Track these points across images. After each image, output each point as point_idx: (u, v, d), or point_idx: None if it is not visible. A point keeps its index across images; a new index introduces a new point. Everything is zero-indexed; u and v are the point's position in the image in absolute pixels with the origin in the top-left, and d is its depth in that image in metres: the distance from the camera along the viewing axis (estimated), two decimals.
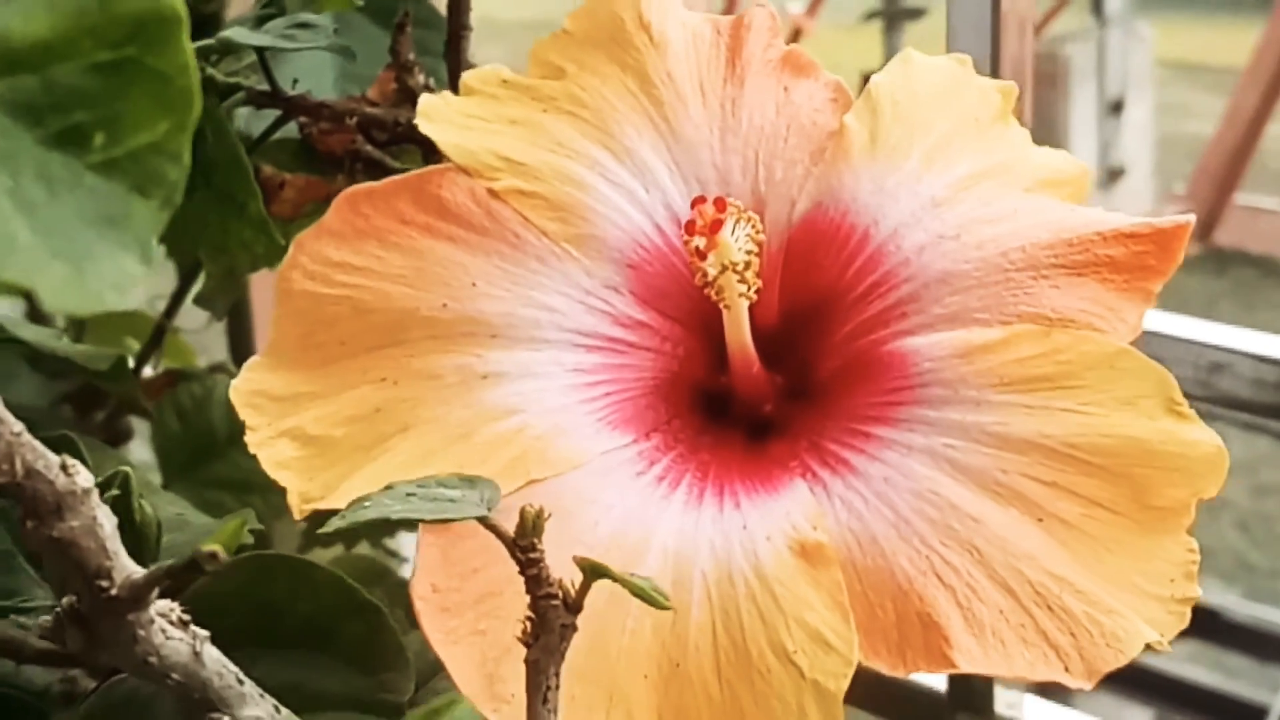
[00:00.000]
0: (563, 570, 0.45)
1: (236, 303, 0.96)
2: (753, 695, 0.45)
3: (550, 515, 0.42)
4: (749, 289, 0.47)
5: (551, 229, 0.51)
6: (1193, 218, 0.49)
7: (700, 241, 0.47)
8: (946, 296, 0.49)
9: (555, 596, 0.41)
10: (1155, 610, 0.45)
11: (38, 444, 0.36)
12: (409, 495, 0.41)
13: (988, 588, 0.45)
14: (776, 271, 0.51)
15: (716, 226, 0.47)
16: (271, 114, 0.64)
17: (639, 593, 0.40)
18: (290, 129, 0.66)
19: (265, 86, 0.62)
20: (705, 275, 0.47)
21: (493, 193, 0.51)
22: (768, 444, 0.49)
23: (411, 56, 0.63)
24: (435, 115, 0.52)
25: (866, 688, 0.96)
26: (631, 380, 0.50)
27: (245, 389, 0.49)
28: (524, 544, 0.41)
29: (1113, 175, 3.00)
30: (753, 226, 0.47)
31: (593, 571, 0.40)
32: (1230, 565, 3.38)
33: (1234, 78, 3.65)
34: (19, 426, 0.35)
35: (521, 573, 0.40)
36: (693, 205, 0.47)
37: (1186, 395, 0.82)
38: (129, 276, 0.33)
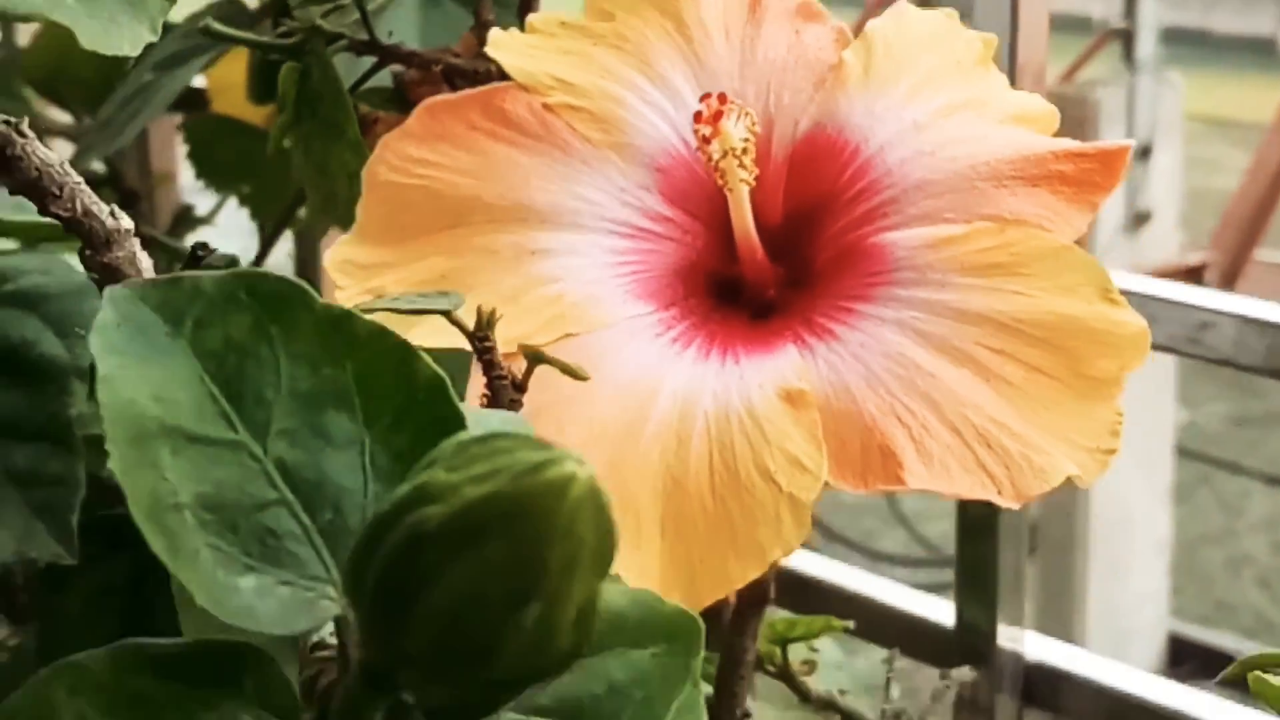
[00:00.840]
0: (587, 411, 0.53)
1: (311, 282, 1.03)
2: (740, 506, 0.52)
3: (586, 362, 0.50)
4: (748, 175, 0.54)
5: (595, 137, 0.58)
6: (1132, 142, 0.56)
7: (706, 129, 0.54)
8: (921, 200, 0.56)
9: (504, 378, 0.48)
10: (1082, 457, 0.52)
11: (92, 193, 0.43)
12: (401, 301, 0.49)
13: (939, 428, 0.52)
14: (781, 180, 0.59)
15: (718, 116, 0.54)
16: (369, 61, 0.71)
17: (564, 369, 0.48)
18: (383, 78, 0.73)
19: (365, 36, 0.70)
20: (710, 158, 0.54)
21: (547, 107, 0.58)
22: (768, 321, 0.56)
23: (491, 17, 0.70)
24: (503, 44, 0.60)
25: (876, 622, 1.01)
26: (656, 263, 0.58)
27: (337, 258, 0.57)
28: (480, 335, 0.48)
29: (1139, 219, 3.04)
30: (750, 120, 0.54)
31: (534, 357, 0.48)
32: (1251, 622, 3.36)
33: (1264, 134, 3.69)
34: (79, 177, 0.43)
35: (478, 359, 0.48)
36: (701, 100, 0.54)
37: (1176, 351, 0.88)
38: (141, 39, 0.42)
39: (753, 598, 0.67)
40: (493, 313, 0.50)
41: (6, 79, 1.06)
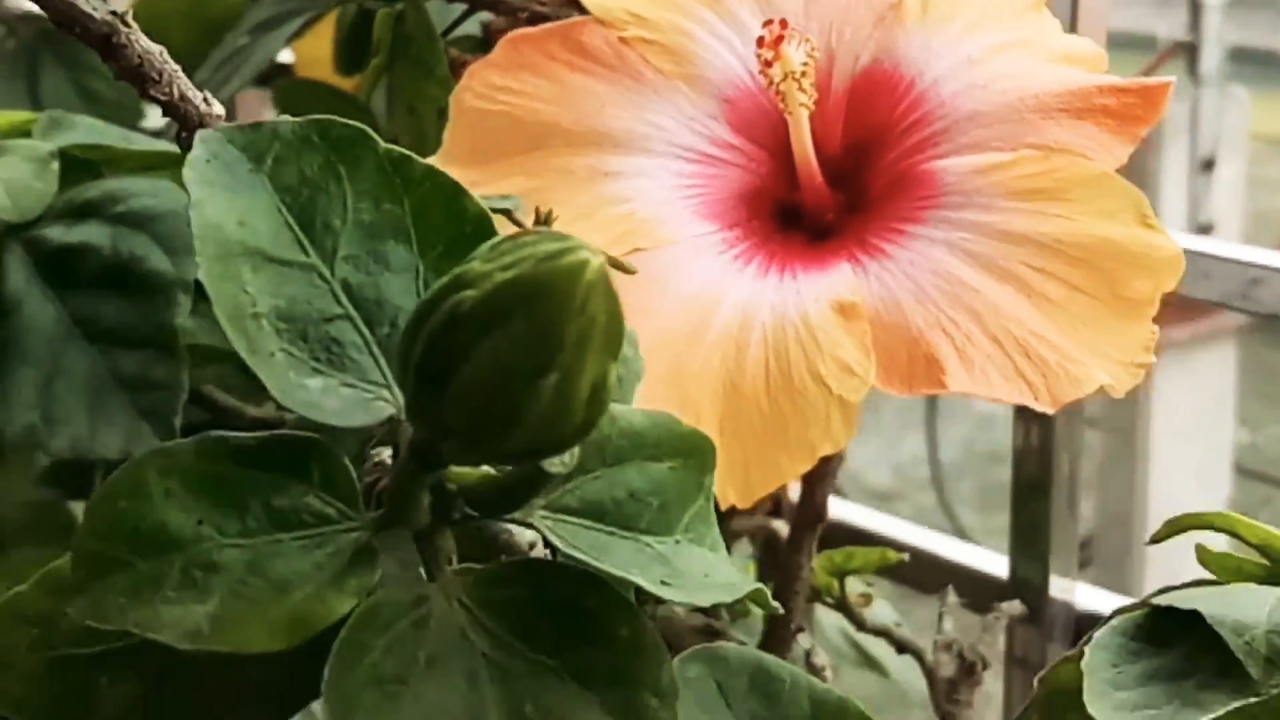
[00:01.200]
0: (652, 321, 0.55)
1: None
2: (793, 407, 0.54)
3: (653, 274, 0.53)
4: (807, 99, 0.57)
5: (666, 68, 0.61)
6: (1174, 80, 0.58)
7: (768, 54, 0.57)
8: (971, 130, 0.58)
9: None
10: (1115, 369, 0.54)
11: (187, 80, 0.46)
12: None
13: (981, 339, 0.54)
14: (841, 112, 0.61)
15: (779, 41, 0.57)
16: (459, 8, 0.74)
17: (615, 264, 0.50)
18: (471, 26, 0.76)
19: None
20: (772, 82, 0.57)
21: (622, 40, 0.61)
22: (825, 242, 0.59)
23: None
24: None
25: (930, 573, 1.02)
26: (721, 187, 0.60)
27: None
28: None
29: (1201, 232, 3.03)
30: (809, 46, 0.57)
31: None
32: None
33: None
34: (175, 65, 0.46)
35: None
36: (764, 26, 0.57)
37: (1228, 306, 0.89)
38: None
39: (808, 517, 0.69)
40: (550, 213, 0.52)
41: None
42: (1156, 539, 0.51)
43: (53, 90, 1.04)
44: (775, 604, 0.44)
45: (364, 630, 0.36)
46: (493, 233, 0.42)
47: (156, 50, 0.47)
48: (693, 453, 0.43)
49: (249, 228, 0.39)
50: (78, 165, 0.70)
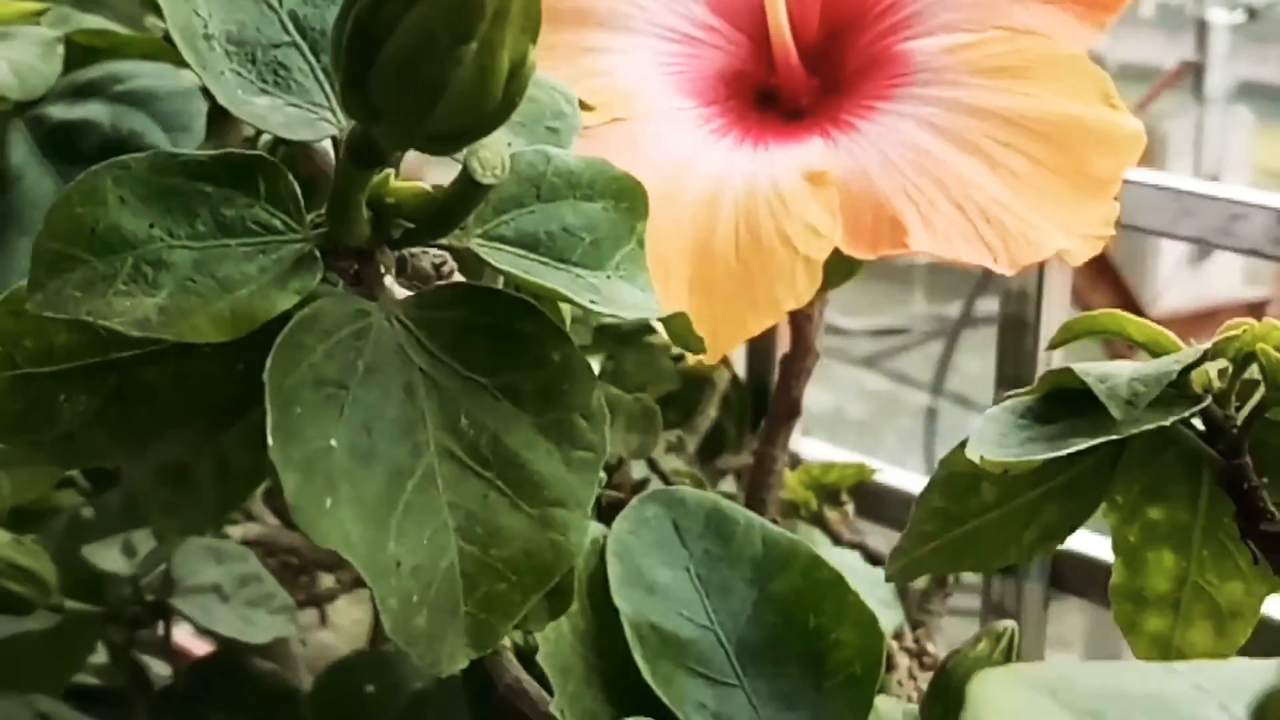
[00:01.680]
0: (634, 172, 0.56)
1: None
2: (760, 266, 0.55)
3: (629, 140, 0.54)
4: None
5: None
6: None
7: None
8: (941, 13, 0.60)
9: None
10: (1074, 239, 0.55)
11: None
12: None
13: (945, 205, 0.55)
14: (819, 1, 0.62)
15: None
16: None
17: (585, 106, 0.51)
18: None
19: None
20: None
21: None
22: (800, 120, 0.60)
23: None
24: None
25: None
26: (701, 67, 0.62)
27: None
28: None
29: (1202, 253, 3.04)
30: None
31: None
32: None
33: None
34: None
35: None
36: None
37: (1209, 242, 0.90)
38: None
39: (782, 411, 0.70)
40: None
41: None
42: (1054, 345, 0.53)
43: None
44: (699, 334, 0.45)
45: (305, 332, 0.38)
46: None
47: None
48: (625, 196, 0.45)
49: None
50: (82, 51, 0.72)
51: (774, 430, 0.71)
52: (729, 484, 0.92)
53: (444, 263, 0.42)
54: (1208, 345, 0.47)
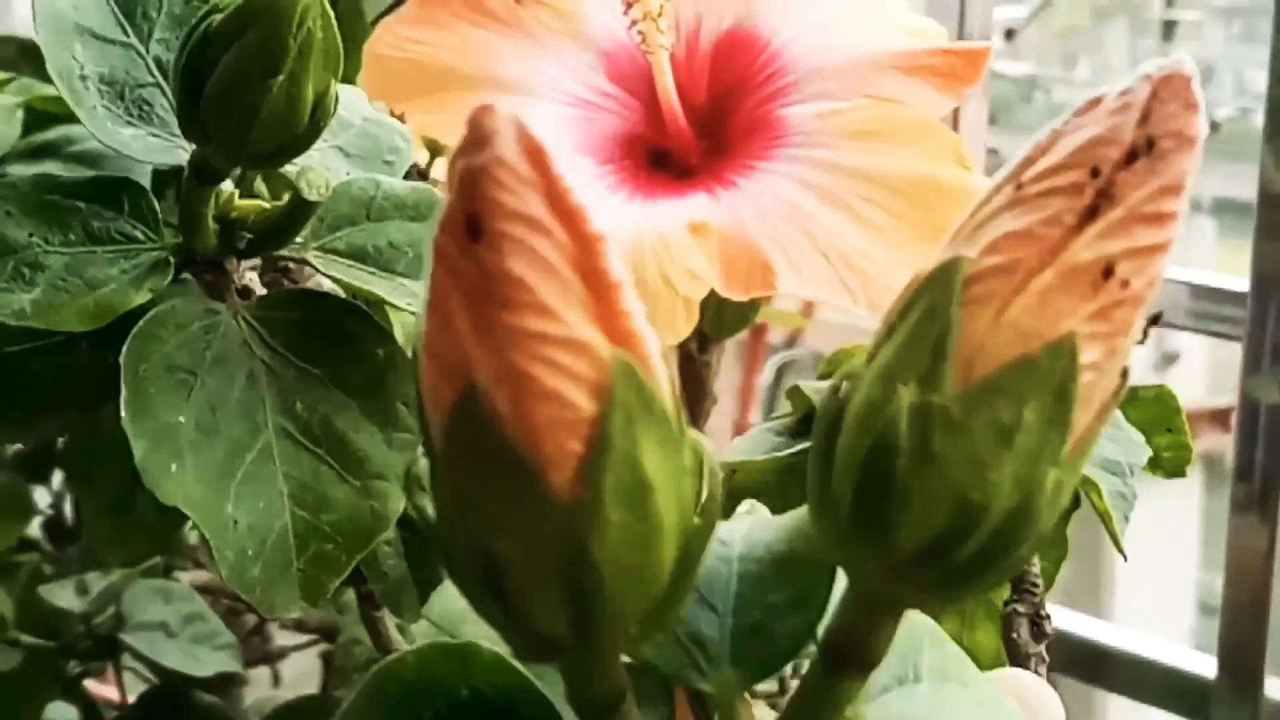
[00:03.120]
0: None
1: None
2: (644, 304, 0.60)
3: None
4: (666, 40, 0.64)
5: (555, 26, 0.68)
6: (993, 43, 0.64)
7: None
8: (817, 82, 0.65)
9: None
10: None
11: None
12: None
13: (810, 252, 0.60)
14: (707, 67, 0.68)
15: None
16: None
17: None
18: None
19: None
20: (634, 22, 0.63)
21: (518, 1, 0.68)
22: (688, 179, 0.65)
23: None
24: None
25: (1134, 677, 1.02)
26: (598, 130, 0.67)
27: None
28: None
29: (1167, 360, 3.09)
30: None
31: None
32: None
33: None
34: None
35: None
36: None
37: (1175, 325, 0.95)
38: None
39: None
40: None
41: None
42: (820, 376, 0.59)
43: None
44: None
45: (160, 326, 0.45)
46: None
47: None
48: None
49: (81, 12, 0.49)
50: (39, 116, 0.77)
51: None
52: None
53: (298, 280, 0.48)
54: None
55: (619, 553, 0.28)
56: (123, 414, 0.42)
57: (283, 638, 1.21)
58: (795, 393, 0.55)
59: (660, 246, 0.62)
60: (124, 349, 0.43)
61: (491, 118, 0.28)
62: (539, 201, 0.28)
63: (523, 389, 0.27)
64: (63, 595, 0.90)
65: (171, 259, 0.46)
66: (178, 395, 0.44)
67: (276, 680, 1.25)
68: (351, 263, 0.48)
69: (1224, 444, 3.52)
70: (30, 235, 0.45)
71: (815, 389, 0.52)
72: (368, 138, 0.50)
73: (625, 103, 0.68)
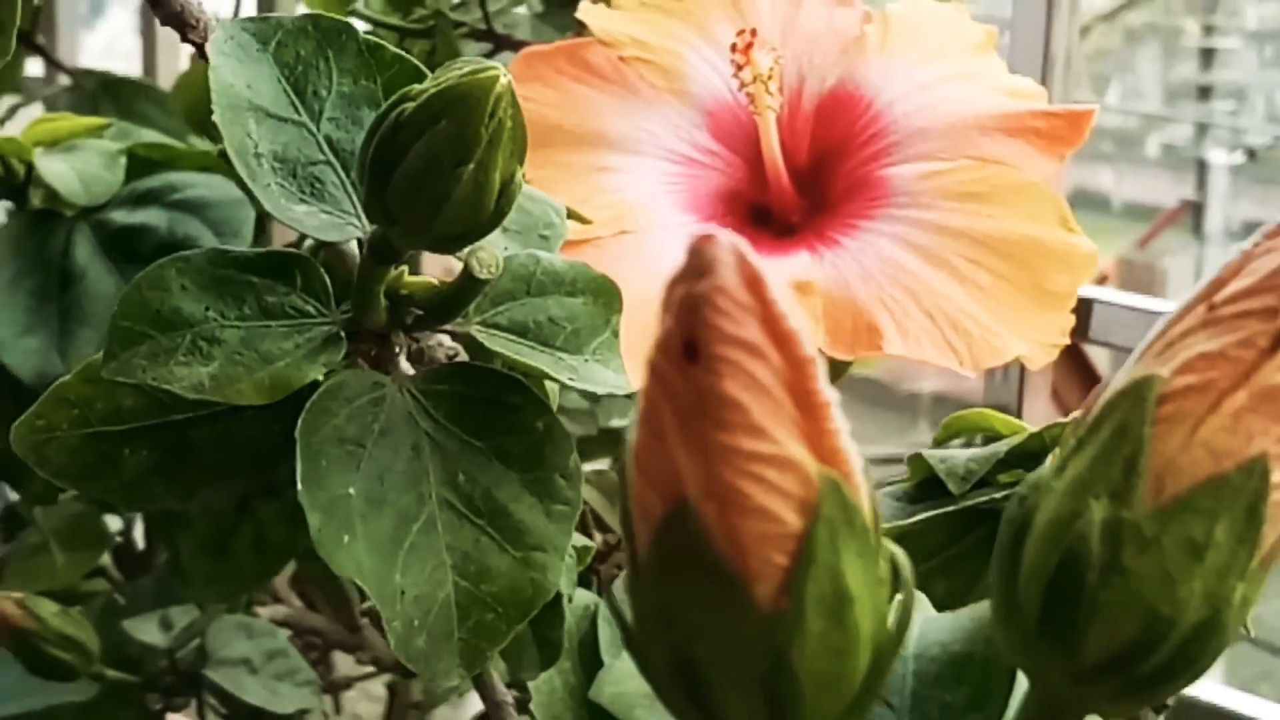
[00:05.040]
0: (632, 288, 0.62)
1: None
2: None
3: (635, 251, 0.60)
4: (774, 101, 0.64)
5: (659, 84, 0.68)
6: (1096, 107, 0.65)
7: (739, 59, 0.64)
8: (919, 143, 0.65)
9: None
10: (1033, 347, 0.60)
11: None
12: None
13: (916, 313, 0.61)
14: (809, 127, 0.68)
15: (749, 48, 0.64)
16: (485, 47, 0.82)
17: (574, 215, 0.58)
18: None
19: (484, 26, 0.80)
20: (742, 84, 0.64)
21: (621, 58, 0.68)
22: (790, 237, 0.66)
23: None
24: (590, 11, 0.70)
25: None
26: (701, 187, 0.67)
27: None
28: None
29: None
30: (775, 54, 0.64)
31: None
32: None
33: None
34: (210, 16, 0.53)
35: None
36: (737, 35, 0.64)
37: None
38: None
39: None
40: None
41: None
42: (938, 440, 0.59)
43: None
44: None
45: (331, 399, 0.45)
46: None
47: (196, 2, 0.54)
48: (602, 293, 0.52)
49: (255, 90, 0.49)
50: (142, 162, 0.78)
51: None
52: None
53: (456, 354, 0.48)
54: (1045, 426, 0.53)
55: (817, 661, 0.28)
56: (299, 487, 0.43)
57: (345, 666, 1.21)
58: (915, 459, 0.55)
59: None
60: (299, 422, 0.44)
61: (713, 247, 0.29)
62: (756, 327, 0.28)
63: (732, 504, 0.28)
64: (146, 630, 0.91)
65: (343, 334, 0.47)
66: (348, 467, 0.44)
67: (338, 709, 1.26)
68: (513, 337, 0.48)
69: None
70: (207, 309, 0.46)
71: (937, 457, 0.52)
72: (524, 213, 0.50)
73: (728, 160, 0.68)
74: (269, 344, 0.46)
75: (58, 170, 0.76)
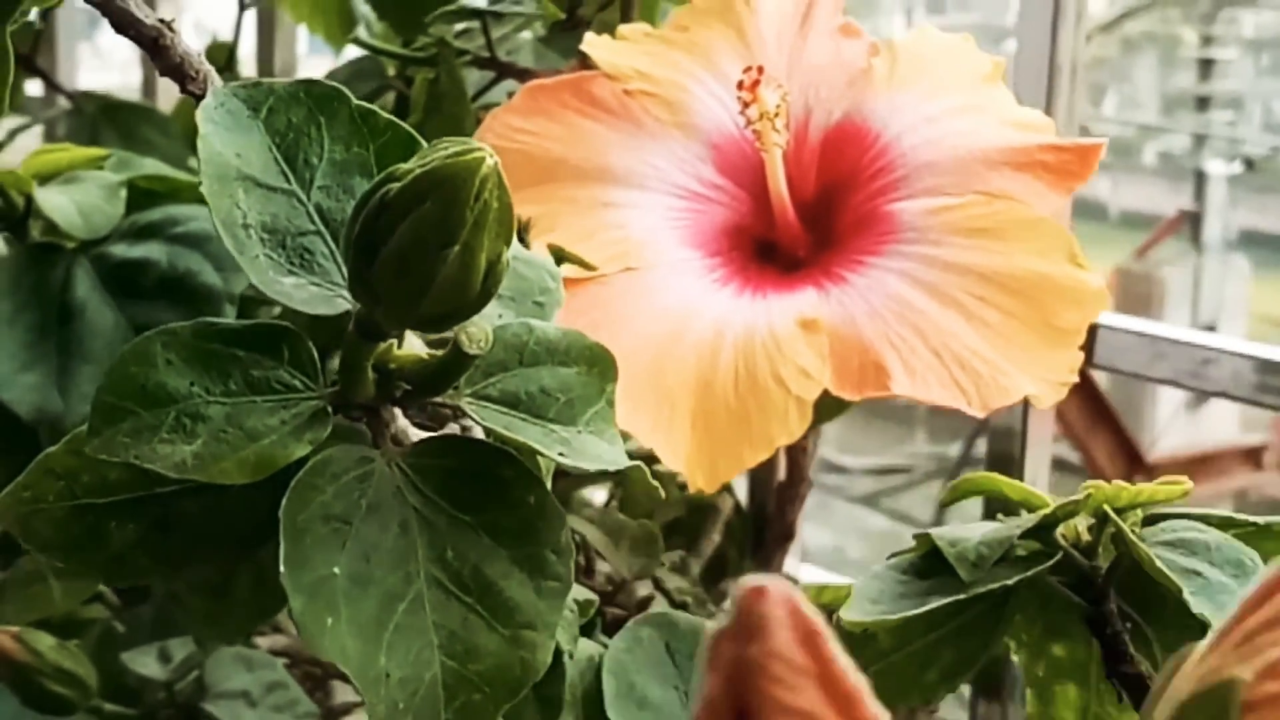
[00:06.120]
0: (638, 325, 0.61)
1: None
2: (757, 404, 0.60)
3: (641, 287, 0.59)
4: (781, 138, 0.63)
5: (664, 117, 0.67)
6: (1105, 140, 0.64)
7: (746, 95, 0.63)
8: (927, 177, 0.65)
9: None
10: (1042, 385, 0.60)
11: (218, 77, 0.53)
12: None
13: (924, 351, 0.60)
14: (815, 160, 0.67)
15: (755, 85, 0.63)
16: (488, 76, 0.81)
17: (576, 260, 0.57)
18: (498, 95, 0.83)
19: (487, 54, 0.79)
20: (749, 121, 0.63)
21: (626, 92, 0.68)
22: (796, 273, 0.65)
23: None
24: (596, 43, 0.69)
25: None
26: (706, 222, 0.67)
27: None
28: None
29: (1200, 399, 3.08)
30: (782, 91, 0.63)
31: (558, 255, 0.57)
32: None
33: None
34: (211, 68, 0.52)
35: None
36: (743, 72, 0.63)
37: (1180, 384, 0.94)
38: None
39: (778, 534, 0.75)
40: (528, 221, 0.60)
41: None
42: (943, 503, 0.58)
43: None
44: (655, 484, 0.50)
45: (317, 476, 0.44)
46: None
47: (195, 53, 0.53)
48: (596, 363, 0.50)
49: (244, 159, 0.47)
50: (142, 194, 0.77)
51: (769, 553, 0.75)
52: None
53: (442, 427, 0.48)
54: (1060, 503, 0.52)
55: None
56: (281, 569, 0.42)
57: (344, 694, 1.20)
58: (922, 538, 0.54)
59: (772, 344, 0.61)
60: (284, 501, 0.43)
61: (764, 603, 0.26)
62: (815, 691, 0.26)
63: None
64: (144, 663, 0.90)
65: (330, 409, 0.46)
66: (333, 545, 0.43)
67: None
68: (505, 409, 0.47)
69: (1257, 482, 3.50)
70: (191, 385, 0.45)
71: (947, 540, 0.51)
72: (519, 278, 0.49)
73: (733, 194, 0.68)
74: (254, 420, 0.45)
75: (57, 203, 0.75)
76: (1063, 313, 0.61)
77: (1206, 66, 4.19)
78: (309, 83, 0.49)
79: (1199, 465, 3.24)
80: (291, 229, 0.47)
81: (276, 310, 0.78)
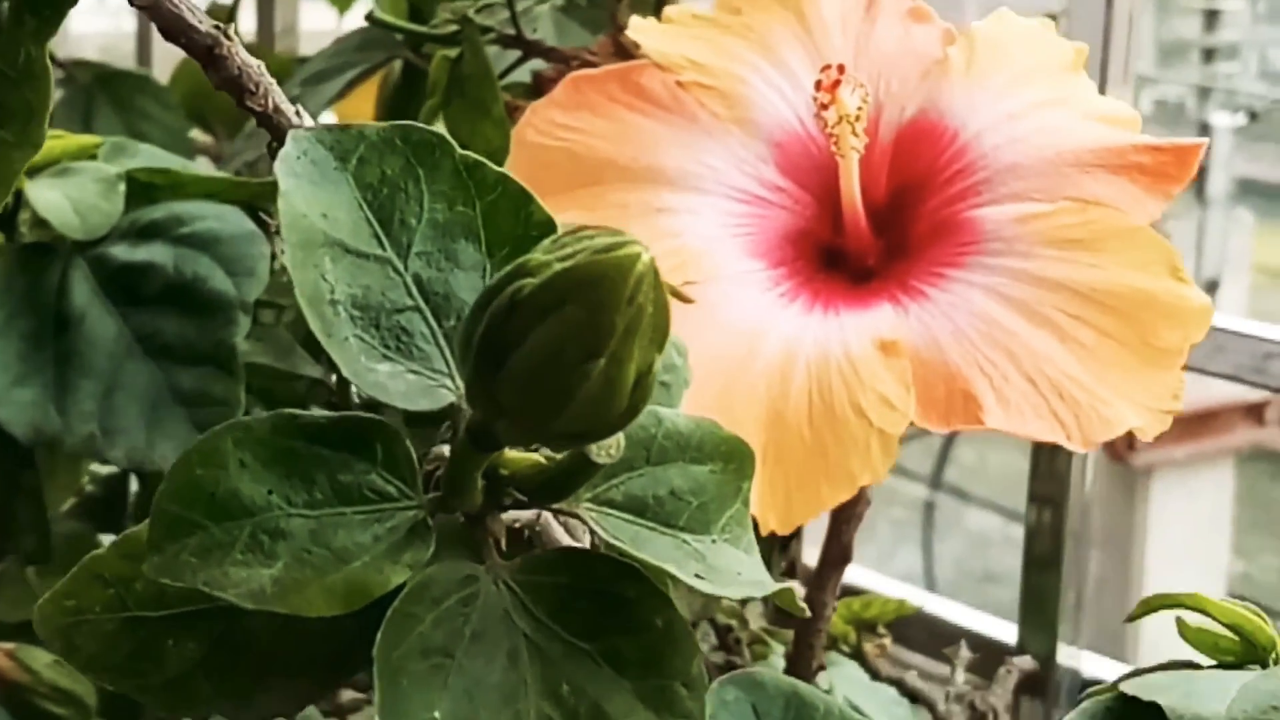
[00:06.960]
0: (703, 349, 0.56)
1: None
2: (834, 437, 0.55)
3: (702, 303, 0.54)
4: (859, 143, 0.58)
5: (720, 112, 0.62)
6: (1207, 140, 0.59)
7: (824, 97, 0.58)
8: (1011, 181, 0.59)
9: None
10: (1144, 414, 0.55)
11: (281, 92, 0.47)
12: None
13: (1017, 378, 0.55)
14: (887, 159, 0.62)
15: (835, 85, 0.58)
16: (511, 56, 0.76)
17: (674, 293, 0.51)
18: (522, 75, 0.78)
19: (512, 32, 0.74)
20: (826, 125, 0.58)
21: (679, 84, 0.62)
22: (868, 284, 0.60)
23: (625, 21, 0.74)
24: (643, 29, 0.64)
25: (942, 642, 1.00)
26: (769, 228, 0.61)
27: None
28: None
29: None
30: (864, 92, 0.58)
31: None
32: None
33: None
34: (271, 80, 0.46)
35: None
36: (820, 70, 0.58)
37: (1242, 379, 0.89)
38: None
39: (834, 557, 0.70)
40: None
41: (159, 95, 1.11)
42: (1133, 617, 0.52)
43: (105, 131, 1.06)
44: (802, 605, 0.44)
45: (415, 603, 0.37)
46: None
47: (255, 64, 0.47)
48: (733, 457, 0.44)
49: (331, 220, 0.41)
50: (143, 188, 0.71)
51: (825, 576, 0.70)
52: None
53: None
54: None
55: None
56: (377, 716, 0.36)
57: (350, 690, 1.16)
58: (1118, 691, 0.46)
59: (849, 369, 0.56)
60: (379, 637, 0.36)
61: None
62: None
63: None
64: None
65: (430, 521, 0.39)
66: (433, 684, 0.36)
67: None
68: (629, 516, 0.40)
69: (1259, 437, 3.47)
70: (270, 493, 0.38)
71: (1151, 691, 0.44)
72: None
73: (797, 197, 0.62)
74: (344, 537, 0.38)
75: (50, 199, 0.70)
76: (1163, 332, 0.56)
77: (1211, 18, 4.13)
78: (406, 129, 0.43)
79: (1202, 422, 3.21)
80: (386, 304, 0.40)
81: (288, 316, 0.73)
